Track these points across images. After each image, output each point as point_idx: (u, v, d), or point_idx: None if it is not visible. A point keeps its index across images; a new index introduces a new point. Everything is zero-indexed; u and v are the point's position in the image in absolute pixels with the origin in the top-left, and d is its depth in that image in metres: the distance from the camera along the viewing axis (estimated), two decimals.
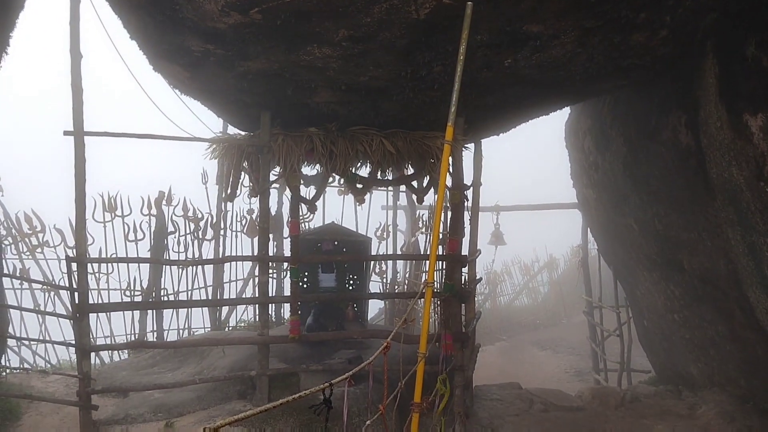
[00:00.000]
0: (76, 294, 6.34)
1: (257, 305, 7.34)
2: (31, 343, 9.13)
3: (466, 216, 7.79)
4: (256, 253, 7.99)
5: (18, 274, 8.91)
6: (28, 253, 9.23)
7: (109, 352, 9.69)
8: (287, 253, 7.86)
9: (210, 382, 7.00)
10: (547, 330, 18.48)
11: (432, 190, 7.63)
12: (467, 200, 7.63)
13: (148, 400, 7.46)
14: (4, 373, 8.15)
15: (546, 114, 7.87)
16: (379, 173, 7.33)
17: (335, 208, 10.78)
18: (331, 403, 2.53)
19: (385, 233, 11.35)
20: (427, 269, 4.69)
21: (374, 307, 12.20)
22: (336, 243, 9.40)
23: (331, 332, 7.75)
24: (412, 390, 4.80)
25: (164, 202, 9.58)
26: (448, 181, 7.43)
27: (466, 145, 7.91)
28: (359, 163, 7.03)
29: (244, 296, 10.32)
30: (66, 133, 6.22)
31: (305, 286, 9.14)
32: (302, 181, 7.37)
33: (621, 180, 8.77)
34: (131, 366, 8.48)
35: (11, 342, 9.11)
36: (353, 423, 6.75)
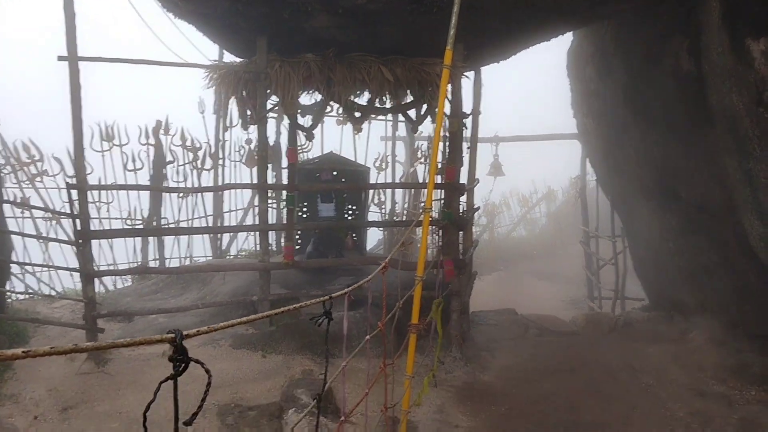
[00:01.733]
0: (77, 221, 6.40)
1: (257, 233, 7.42)
2: (35, 270, 9.27)
3: (465, 145, 7.79)
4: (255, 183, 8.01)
5: (18, 202, 8.96)
6: (27, 182, 9.26)
7: (113, 279, 9.87)
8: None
9: (212, 306, 7.16)
10: (544, 261, 18.76)
11: (429, 119, 7.60)
12: (466, 129, 7.61)
13: (152, 324, 7.65)
14: (9, 299, 8.32)
15: (547, 40, 7.74)
16: (377, 101, 7.27)
17: (334, 138, 10.75)
18: (331, 315, 2.60)
19: (384, 164, 11.35)
20: (425, 199, 4.73)
21: (373, 237, 12.37)
22: (335, 173, 9.41)
23: (330, 259, 7.86)
24: (410, 314, 4.91)
25: (162, 132, 9.53)
26: (447, 109, 7.38)
27: (465, 73, 7.83)
28: (357, 91, 6.96)
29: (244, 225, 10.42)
30: (60, 58, 6.14)
31: (304, 215, 9.21)
32: (299, 110, 7.31)
33: (621, 108, 8.71)
34: (135, 292, 8.65)
35: (16, 269, 9.26)
36: (352, 345, 6.95)
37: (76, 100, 6.22)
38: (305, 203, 9.26)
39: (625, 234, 11.16)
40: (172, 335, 1.47)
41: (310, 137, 7.66)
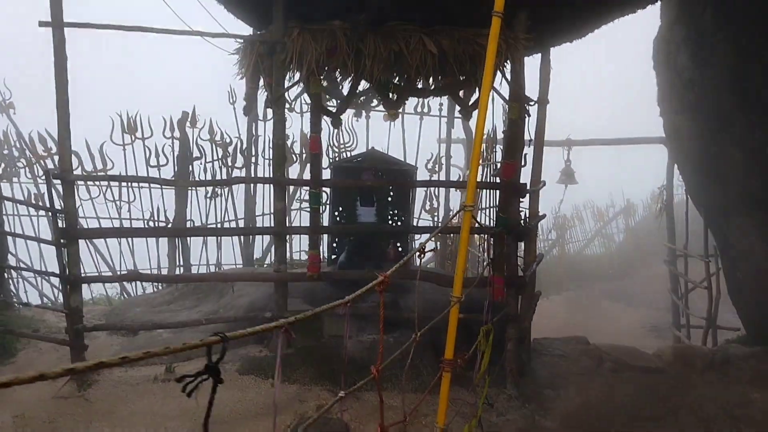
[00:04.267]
0: (60, 217, 5.43)
1: (272, 235, 6.30)
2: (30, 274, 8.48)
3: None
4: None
5: (33, 200, 8.20)
6: (43, 178, 8.49)
7: (134, 285, 8.99)
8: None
9: (219, 322, 6.06)
10: (621, 281, 17.12)
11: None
12: (529, 116, 6.26)
13: (156, 340, 6.64)
14: (18, 306, 7.53)
15: (632, 11, 6.31)
16: (418, 81, 6.04)
17: (381, 136, 9.56)
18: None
19: (437, 165, 10.06)
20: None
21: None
22: (379, 173, 8.23)
23: (361, 271, 6.62)
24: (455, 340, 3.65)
25: (188, 124, 8.60)
26: (506, 92, 6.07)
27: (531, 53, 6.51)
28: (393, 68, 5.72)
29: None
30: (42, 24, 5.21)
31: (341, 221, 8.04)
32: (325, 90, 6.15)
33: (725, 98, 7.13)
34: (147, 302, 7.69)
35: (27, 274, 8.49)
36: (385, 376, 5.70)
37: (61, 72, 5.27)
38: (340, 207, 8.08)
39: (720, 252, 9.43)
40: (218, 337, 1.42)
41: (336, 123, 6.46)
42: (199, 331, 6.41)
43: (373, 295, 6.63)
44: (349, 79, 6.00)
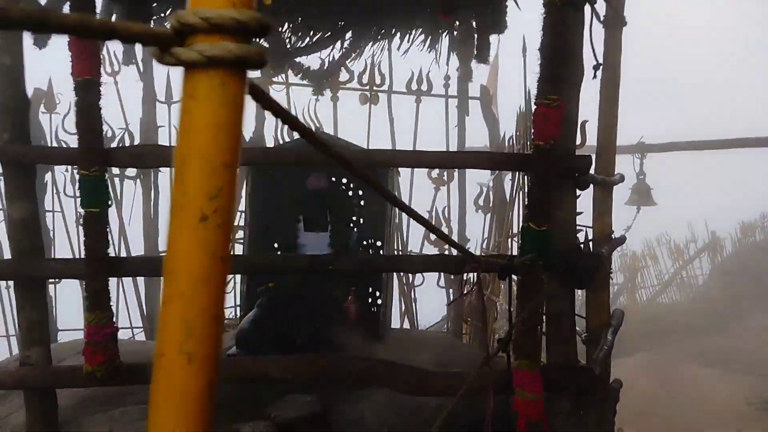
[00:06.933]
0: None
1: None
2: None
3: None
4: None
5: None
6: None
7: None
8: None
9: None
10: (712, 337, 13.79)
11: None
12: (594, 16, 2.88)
13: None
14: None
15: None
16: None
17: (356, 125, 6.30)
18: None
19: (446, 174, 6.64)
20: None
21: (429, 305, 7.38)
22: (333, 178, 5.01)
23: (277, 358, 3.21)
24: None
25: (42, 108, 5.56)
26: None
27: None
28: None
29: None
30: None
31: (272, 253, 4.75)
32: None
33: None
34: None
35: None
36: None
37: None
38: (267, 231, 4.81)
39: None
40: None
41: None
42: None
43: (290, 396, 3.35)
44: None
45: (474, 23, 4.41)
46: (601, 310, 3.54)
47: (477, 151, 4.52)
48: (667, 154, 9.36)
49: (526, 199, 2.71)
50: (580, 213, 3.58)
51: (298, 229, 4.96)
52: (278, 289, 4.28)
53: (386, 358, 3.72)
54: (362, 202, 5.20)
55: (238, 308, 4.92)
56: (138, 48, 5.41)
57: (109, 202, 2.64)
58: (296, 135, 5.85)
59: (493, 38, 4.91)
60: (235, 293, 4.96)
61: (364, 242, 5.16)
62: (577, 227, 3.43)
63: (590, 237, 3.48)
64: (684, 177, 15.86)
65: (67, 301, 5.71)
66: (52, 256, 5.77)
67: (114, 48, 5.42)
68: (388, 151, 4.42)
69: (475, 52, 4.28)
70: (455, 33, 5.34)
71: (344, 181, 5.24)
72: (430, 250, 6.83)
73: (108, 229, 2.66)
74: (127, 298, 5.92)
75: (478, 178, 6.79)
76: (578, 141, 3.60)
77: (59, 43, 4.90)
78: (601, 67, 2.96)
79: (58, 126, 5.49)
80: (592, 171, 3.33)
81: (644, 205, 9.12)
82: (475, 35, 4.34)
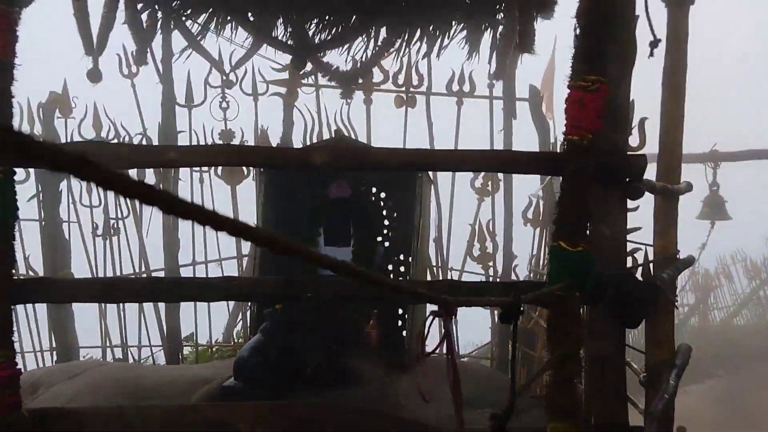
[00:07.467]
0: None
1: None
2: None
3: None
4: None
5: None
6: None
7: None
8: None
9: None
10: None
11: None
12: None
13: None
14: None
15: None
16: None
17: (390, 132, 5.82)
18: None
19: (491, 184, 6.06)
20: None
21: (471, 329, 6.75)
22: (363, 187, 4.55)
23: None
24: None
25: (57, 112, 5.30)
26: None
27: None
28: None
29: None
30: None
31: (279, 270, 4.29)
32: None
33: None
34: None
35: None
36: None
37: None
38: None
39: None
40: None
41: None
42: None
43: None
44: None
45: (517, 9, 3.84)
46: (662, 344, 2.92)
47: (484, 150, 3.96)
48: (742, 163, 8.49)
49: (556, 211, 2.11)
50: (638, 228, 3.01)
51: (318, 244, 4.49)
52: (286, 311, 3.80)
53: (402, 396, 3.20)
54: (394, 214, 4.72)
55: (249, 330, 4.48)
56: (156, 47, 5.11)
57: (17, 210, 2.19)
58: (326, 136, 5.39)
59: (549, 33, 4.36)
60: (244, 316, 4.54)
61: (394, 258, 4.67)
62: (635, 246, 2.84)
63: (650, 258, 2.88)
64: (760, 188, 14.70)
65: None
66: (70, 269, 5.51)
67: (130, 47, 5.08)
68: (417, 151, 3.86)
69: (517, 39, 3.69)
70: (500, 27, 4.80)
71: (374, 190, 4.77)
72: (474, 267, 6.28)
73: (13, 243, 2.21)
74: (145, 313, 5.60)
75: (526, 188, 6.19)
76: (636, 142, 3.03)
77: (74, 45, 4.66)
78: (660, 46, 2.35)
79: (74, 130, 5.23)
80: (651, 177, 2.74)
81: (718, 219, 8.35)
82: (517, 21, 3.76)
